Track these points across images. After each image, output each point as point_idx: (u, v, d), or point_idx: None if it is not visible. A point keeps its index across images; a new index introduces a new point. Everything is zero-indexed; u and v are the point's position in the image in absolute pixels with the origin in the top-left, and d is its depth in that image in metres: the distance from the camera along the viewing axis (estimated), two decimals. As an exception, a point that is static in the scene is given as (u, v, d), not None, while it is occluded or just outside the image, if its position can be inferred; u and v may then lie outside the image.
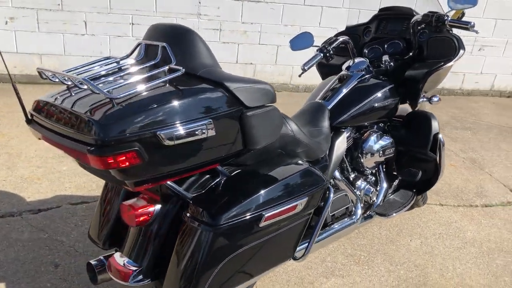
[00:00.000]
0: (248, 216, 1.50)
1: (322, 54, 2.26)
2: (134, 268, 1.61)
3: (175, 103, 1.36)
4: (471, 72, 5.53)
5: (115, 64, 1.64)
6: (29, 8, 4.21)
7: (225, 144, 1.48)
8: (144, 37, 1.66)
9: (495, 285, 2.32)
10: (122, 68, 1.58)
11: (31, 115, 1.55)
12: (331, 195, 1.92)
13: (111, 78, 1.43)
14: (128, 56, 1.69)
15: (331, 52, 2.28)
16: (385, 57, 2.48)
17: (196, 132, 1.37)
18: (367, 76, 2.36)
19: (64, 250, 2.26)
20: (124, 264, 1.63)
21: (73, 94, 1.46)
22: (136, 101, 1.33)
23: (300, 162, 1.79)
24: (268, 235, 1.60)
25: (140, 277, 1.60)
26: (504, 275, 2.42)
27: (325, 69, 2.68)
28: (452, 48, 2.31)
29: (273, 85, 4.70)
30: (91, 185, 2.85)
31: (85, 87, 1.40)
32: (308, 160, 1.92)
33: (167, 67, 1.45)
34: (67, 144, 1.35)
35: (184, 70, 1.43)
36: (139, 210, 1.59)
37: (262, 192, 1.56)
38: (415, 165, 2.47)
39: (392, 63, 2.47)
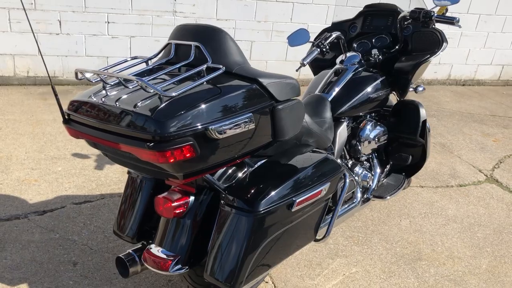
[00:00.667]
0: (282, 202, 1.63)
1: (319, 49, 2.41)
2: (173, 257, 1.69)
3: (221, 99, 1.46)
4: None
5: (144, 64, 1.72)
6: (0, 7, 4.10)
7: (259, 136, 1.60)
8: (172, 37, 1.74)
9: (480, 256, 2.57)
10: (157, 67, 1.66)
11: (68, 114, 1.60)
12: (347, 180, 2.08)
13: (152, 77, 1.51)
14: (155, 55, 1.77)
15: (327, 47, 2.43)
16: (375, 51, 2.66)
17: (241, 126, 1.48)
18: (360, 69, 2.53)
19: (79, 248, 2.29)
20: (161, 254, 1.71)
21: (110, 93, 1.53)
22: (187, 98, 1.42)
23: (318, 151, 1.94)
24: (298, 219, 1.74)
25: (179, 265, 1.69)
26: (486, 246, 2.67)
27: (316, 64, 2.84)
28: (436, 41, 2.53)
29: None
30: (91, 185, 2.87)
31: (131, 86, 1.48)
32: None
33: (205, 66, 1.55)
34: (117, 141, 1.43)
35: (224, 68, 1.54)
36: (176, 202, 1.67)
37: (292, 179, 1.69)
38: (405, 150, 2.68)
39: (380, 57, 2.66)
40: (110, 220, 2.53)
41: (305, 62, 2.34)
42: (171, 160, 1.37)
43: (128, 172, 1.96)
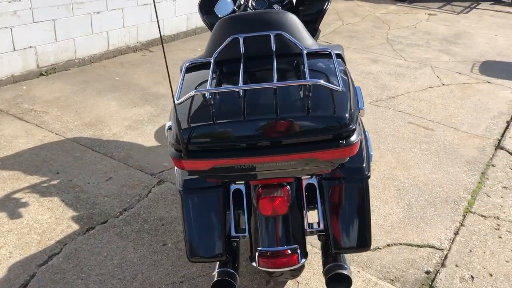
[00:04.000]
0: (370, 158, 1.82)
1: None
2: (293, 249, 1.70)
3: (350, 79, 1.54)
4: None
5: (213, 66, 1.56)
6: None
7: None
8: (230, 31, 1.62)
9: (385, 154, 3.29)
10: (249, 66, 1.54)
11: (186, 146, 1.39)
12: None
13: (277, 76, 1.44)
14: (218, 53, 1.60)
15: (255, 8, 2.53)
16: (276, 6, 2.84)
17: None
18: None
19: (110, 304, 1.94)
20: (281, 252, 1.70)
21: (231, 107, 1.42)
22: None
23: None
24: None
25: (303, 254, 1.73)
26: (380, 146, 3.41)
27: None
28: None
29: (58, 64, 4.27)
30: (32, 238, 2.29)
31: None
32: None
33: (305, 52, 1.55)
34: (291, 152, 1.37)
35: (331, 51, 1.57)
36: (285, 196, 1.66)
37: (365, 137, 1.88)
38: None
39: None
40: (104, 262, 2.16)
41: None
42: (356, 151, 1.42)
43: (183, 192, 1.75)
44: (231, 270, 1.74)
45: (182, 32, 5.69)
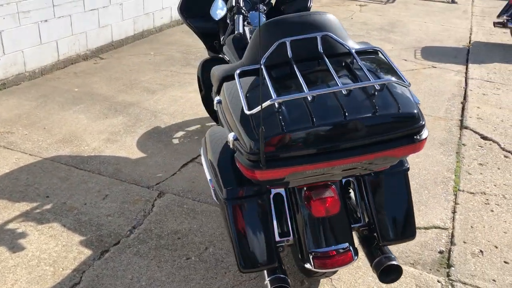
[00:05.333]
0: None
1: (242, 16, 2.47)
2: (346, 247, 1.74)
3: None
4: (156, 10, 6.00)
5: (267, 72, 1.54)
6: None
7: None
8: (274, 36, 1.60)
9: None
10: (301, 69, 1.53)
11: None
12: None
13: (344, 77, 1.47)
14: (265, 57, 1.58)
15: (246, 12, 2.52)
16: (262, 6, 2.84)
17: None
18: None
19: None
20: (336, 251, 1.72)
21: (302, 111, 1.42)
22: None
23: None
24: None
25: (355, 251, 1.76)
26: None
27: (205, 32, 2.82)
28: None
29: (8, 79, 3.97)
30: (43, 269, 2.13)
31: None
32: None
33: (353, 51, 1.57)
34: (371, 151, 1.39)
35: (379, 48, 1.61)
36: (335, 196, 1.68)
37: None
38: None
39: (266, 9, 2.87)
40: (132, 285, 2.07)
41: (241, 32, 2.39)
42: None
43: (228, 202, 1.71)
44: (282, 276, 1.74)
45: (130, 37, 5.48)
